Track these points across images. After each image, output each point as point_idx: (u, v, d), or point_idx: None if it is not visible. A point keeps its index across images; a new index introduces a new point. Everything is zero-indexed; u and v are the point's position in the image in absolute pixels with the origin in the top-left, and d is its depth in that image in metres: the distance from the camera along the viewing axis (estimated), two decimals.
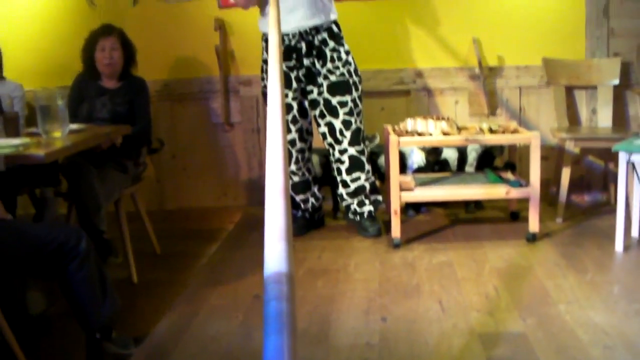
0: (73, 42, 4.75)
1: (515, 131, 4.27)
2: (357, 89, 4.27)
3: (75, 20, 5.33)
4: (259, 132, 5.30)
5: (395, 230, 4.18)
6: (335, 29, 4.27)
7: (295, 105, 4.30)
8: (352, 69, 4.26)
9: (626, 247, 4.00)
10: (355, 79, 4.27)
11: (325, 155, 4.64)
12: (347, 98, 4.22)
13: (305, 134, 4.43)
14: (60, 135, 3.60)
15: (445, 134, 4.18)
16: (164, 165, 5.42)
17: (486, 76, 5.09)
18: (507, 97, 5.17)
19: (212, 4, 5.23)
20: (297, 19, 4.15)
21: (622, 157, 3.95)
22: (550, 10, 5.07)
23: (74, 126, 3.88)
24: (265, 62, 4.37)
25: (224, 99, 5.28)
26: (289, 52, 4.21)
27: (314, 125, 4.46)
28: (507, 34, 5.11)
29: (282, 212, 1.45)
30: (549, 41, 5.09)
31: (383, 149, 4.67)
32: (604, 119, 4.99)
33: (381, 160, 4.77)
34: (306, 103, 4.35)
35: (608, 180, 5.12)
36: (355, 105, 4.26)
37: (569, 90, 5.09)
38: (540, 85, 5.12)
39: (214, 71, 5.26)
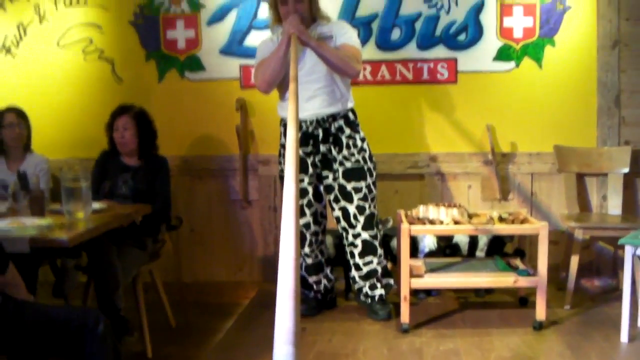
0: (99, 115, 4.93)
1: (524, 220, 4.36)
2: (371, 175, 4.40)
3: (102, 95, 5.53)
4: (276, 210, 5.43)
5: (404, 316, 4.27)
6: (351, 116, 4.41)
7: (310, 189, 4.43)
8: (367, 156, 4.39)
9: (631, 338, 4.06)
10: (370, 165, 4.40)
11: (338, 237, 4.73)
12: (362, 184, 4.34)
13: (319, 217, 4.55)
14: (83, 216, 3.74)
15: (456, 222, 4.28)
16: (182, 238, 5.52)
17: (499, 162, 5.21)
18: (519, 182, 5.29)
19: (234, 84, 5.42)
20: (315, 107, 4.30)
21: (628, 250, 4.03)
22: (562, 99, 5.22)
23: (96, 205, 4.01)
24: (282, 146, 4.51)
25: (243, 177, 5.43)
26: (306, 138, 4.35)
27: (328, 208, 4.58)
28: (520, 121, 5.26)
29: (291, 316, 1.51)
30: (561, 129, 5.23)
31: (396, 231, 4.77)
32: (614, 206, 5.09)
33: (394, 242, 4.86)
34: (321, 188, 4.47)
35: (617, 265, 5.16)
36: (370, 191, 4.38)
37: (580, 177, 5.21)
38: (551, 171, 5.23)
39: (234, 149, 5.41)
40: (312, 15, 4.42)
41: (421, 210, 4.45)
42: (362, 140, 4.41)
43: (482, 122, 5.23)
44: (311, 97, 4.30)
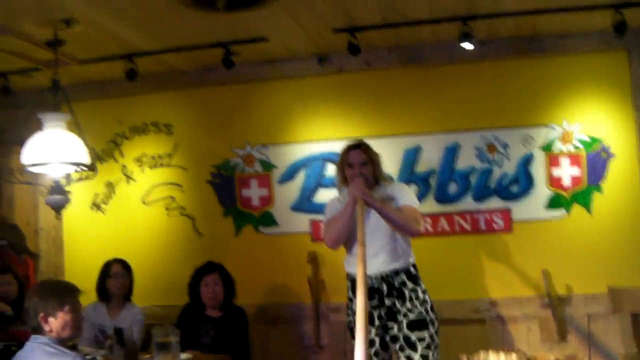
0: (181, 267, 5.44)
1: None
2: (433, 325, 4.67)
3: (183, 248, 6.05)
4: (346, 354, 5.71)
5: None
6: (413, 270, 4.71)
7: (377, 340, 4.70)
8: (428, 307, 4.66)
9: None
10: (432, 315, 4.67)
11: None
12: (425, 334, 4.61)
13: None
14: None
15: None
16: None
17: (556, 305, 5.44)
18: (576, 323, 5.48)
19: (305, 238, 5.86)
20: (379, 264, 4.61)
21: None
22: (613, 241, 5.46)
23: (183, 356, 4.42)
24: (350, 299, 4.81)
25: (315, 324, 5.78)
26: (371, 292, 4.64)
27: (394, 356, 4.86)
28: (574, 265, 5.50)
29: None
30: (614, 270, 5.43)
31: None
32: None
33: None
34: (387, 337, 4.77)
35: None
36: (432, 339, 4.64)
37: (635, 317, 5.36)
38: (607, 312, 5.41)
39: (306, 298, 5.79)
40: (376, 177, 4.76)
41: (482, 357, 4.74)
42: (424, 292, 4.69)
43: (538, 267, 5.49)
44: (375, 255, 4.60)
